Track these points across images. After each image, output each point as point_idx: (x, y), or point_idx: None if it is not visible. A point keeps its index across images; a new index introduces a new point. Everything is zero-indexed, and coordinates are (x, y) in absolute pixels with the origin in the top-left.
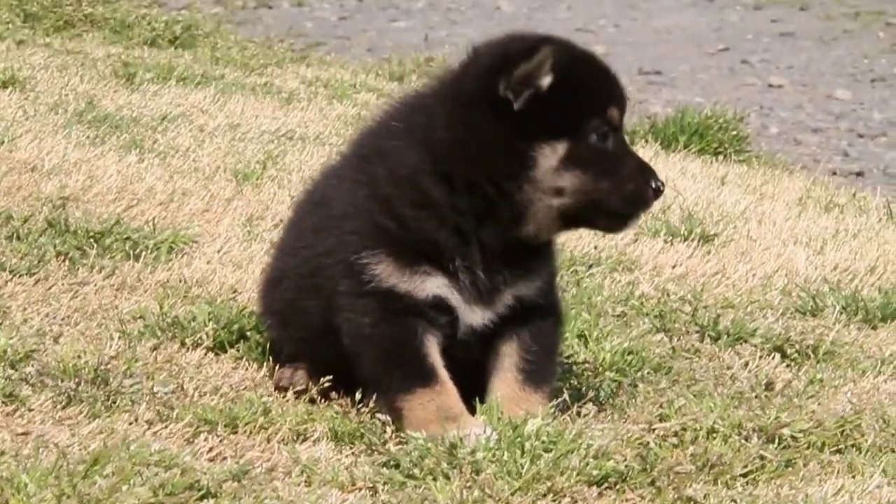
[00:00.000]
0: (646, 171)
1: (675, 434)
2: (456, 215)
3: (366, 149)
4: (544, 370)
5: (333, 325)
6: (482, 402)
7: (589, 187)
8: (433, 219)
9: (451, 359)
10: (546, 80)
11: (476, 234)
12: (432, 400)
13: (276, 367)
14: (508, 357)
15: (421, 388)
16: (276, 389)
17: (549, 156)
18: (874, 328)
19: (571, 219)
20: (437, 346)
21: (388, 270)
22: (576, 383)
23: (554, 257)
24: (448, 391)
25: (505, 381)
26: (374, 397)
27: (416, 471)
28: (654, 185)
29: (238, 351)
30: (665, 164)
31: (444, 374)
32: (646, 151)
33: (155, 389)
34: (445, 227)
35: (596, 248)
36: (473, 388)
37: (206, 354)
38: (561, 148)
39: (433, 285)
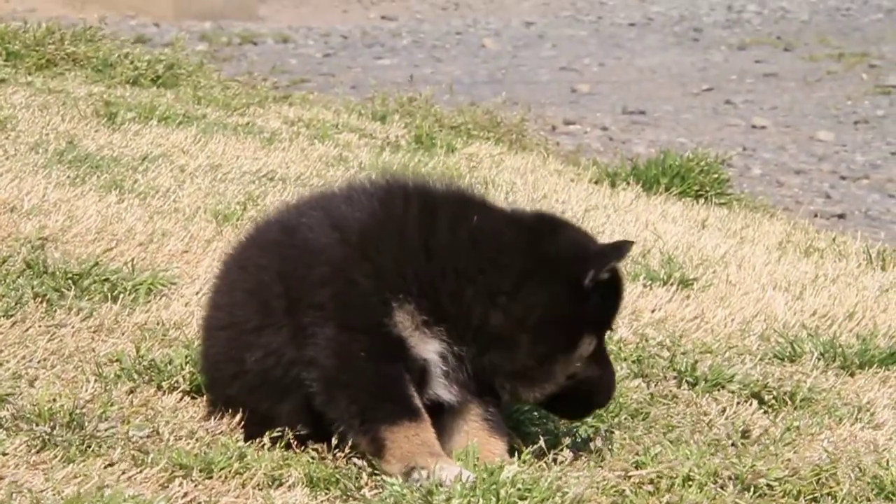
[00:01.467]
0: (613, 370)
1: (651, 482)
2: (484, 325)
3: (429, 216)
4: (502, 422)
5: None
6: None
7: (594, 378)
8: (466, 314)
9: None
10: (605, 277)
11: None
12: (417, 434)
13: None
14: (470, 410)
15: (408, 422)
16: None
17: (587, 346)
18: (852, 375)
19: (554, 399)
20: None
21: (407, 323)
22: (552, 428)
23: None
24: (430, 430)
25: (472, 430)
26: (352, 433)
27: None
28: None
29: None
30: (646, 207)
31: (426, 415)
32: (627, 194)
33: (130, 434)
34: (472, 327)
35: None
36: None
37: (182, 398)
38: (594, 341)
39: (431, 348)
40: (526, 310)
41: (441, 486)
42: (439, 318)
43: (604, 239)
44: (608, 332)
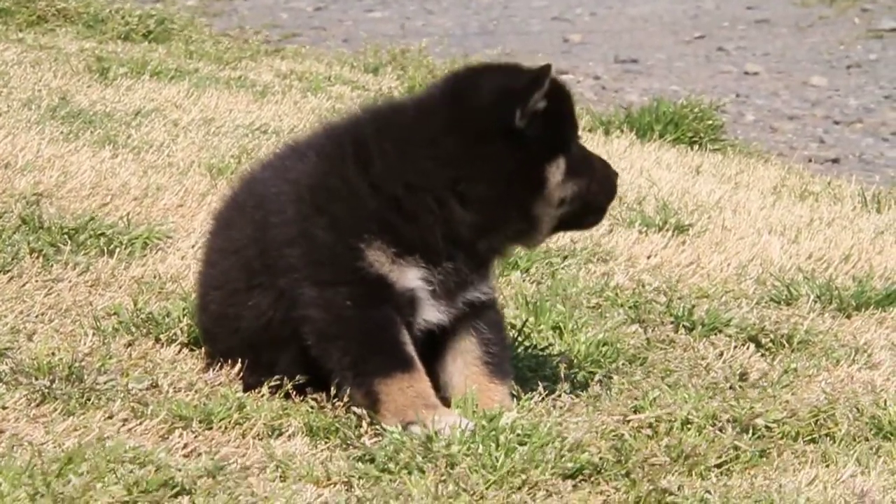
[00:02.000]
0: (606, 164)
1: (650, 426)
2: (458, 226)
3: (363, 151)
4: (506, 362)
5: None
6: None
7: (583, 191)
8: (434, 225)
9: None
10: (542, 106)
11: (473, 243)
12: (411, 386)
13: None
14: (470, 352)
15: (400, 374)
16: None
17: (556, 172)
18: (848, 317)
19: (563, 224)
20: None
21: (382, 259)
22: (550, 375)
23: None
24: (424, 380)
25: (472, 374)
26: (347, 385)
27: (392, 465)
28: (615, 173)
29: None
30: (640, 154)
31: (419, 363)
32: (621, 142)
33: (129, 386)
34: (443, 234)
35: (571, 239)
36: None
37: (180, 350)
38: (562, 164)
39: (413, 276)
40: (487, 180)
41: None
42: (410, 245)
43: None
44: (578, 139)
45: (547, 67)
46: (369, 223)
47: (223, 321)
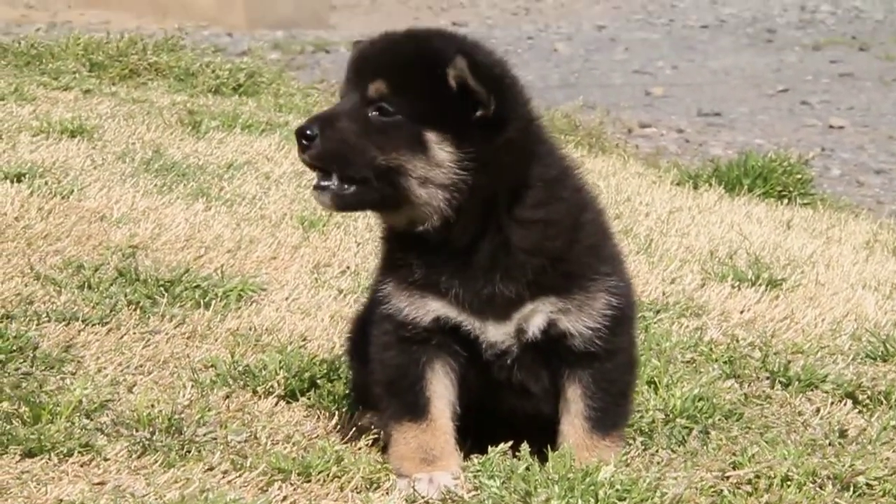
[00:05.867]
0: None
1: (749, 482)
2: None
3: None
4: (612, 415)
5: None
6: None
7: None
8: (425, 241)
9: (489, 383)
10: None
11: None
12: (416, 437)
13: (358, 411)
14: (574, 403)
15: (409, 423)
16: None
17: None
18: None
19: None
20: (446, 375)
21: (395, 294)
22: (647, 430)
23: (617, 296)
24: (436, 430)
25: (573, 427)
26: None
27: None
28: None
29: (309, 399)
30: (730, 208)
31: (438, 410)
32: (710, 195)
33: (228, 438)
34: (438, 246)
35: (664, 293)
36: (525, 420)
37: (277, 403)
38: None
39: (435, 306)
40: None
41: (419, 498)
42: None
43: (692, 240)
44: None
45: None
46: (385, 266)
47: None
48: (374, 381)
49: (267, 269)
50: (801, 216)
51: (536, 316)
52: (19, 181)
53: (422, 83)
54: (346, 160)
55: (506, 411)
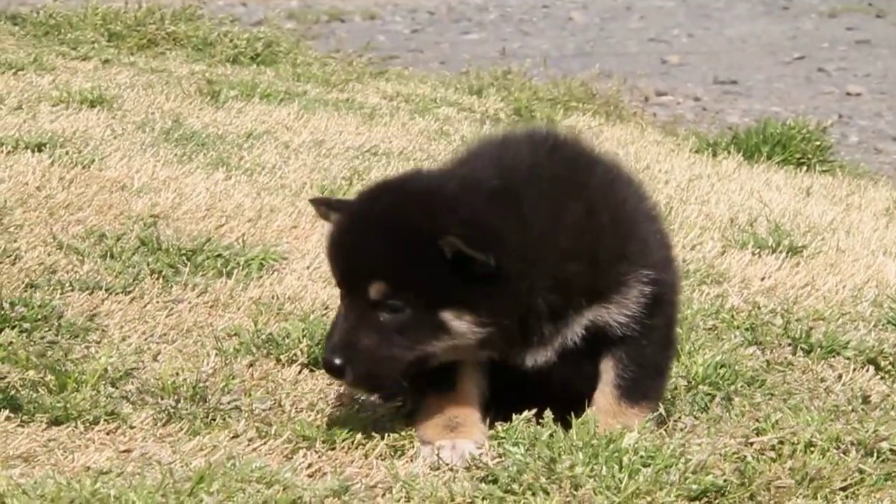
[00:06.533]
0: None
1: (773, 448)
2: None
3: None
4: (644, 386)
5: None
6: None
7: None
8: None
9: (525, 377)
10: None
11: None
12: (440, 406)
13: None
14: (606, 374)
15: (433, 394)
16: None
17: None
18: None
19: None
20: (476, 369)
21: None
22: (669, 397)
23: (651, 284)
24: (460, 400)
25: (603, 395)
26: None
27: (515, 486)
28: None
29: None
30: (749, 176)
31: (463, 384)
32: (729, 163)
33: (253, 406)
34: None
35: (685, 260)
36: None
37: (301, 371)
38: None
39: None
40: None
41: (444, 464)
42: None
43: (711, 207)
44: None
45: None
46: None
47: None
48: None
49: (288, 238)
50: (820, 183)
51: (575, 327)
52: (40, 151)
53: (420, 270)
54: (381, 375)
55: (543, 390)
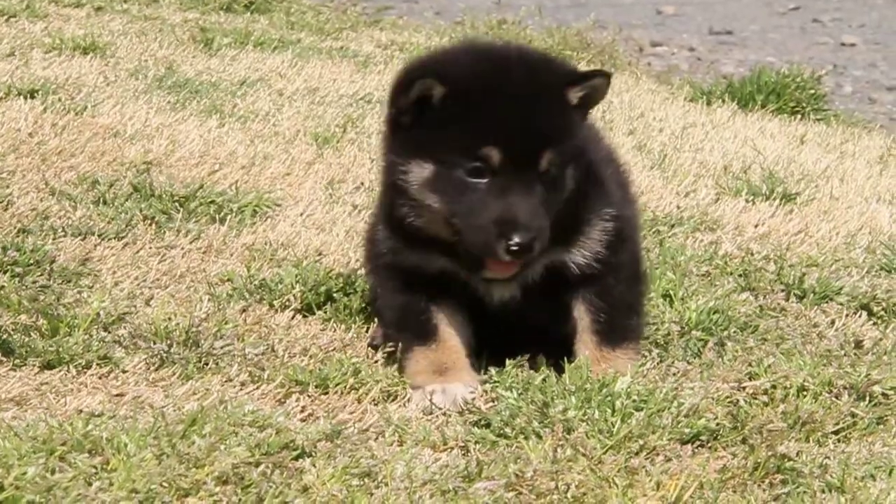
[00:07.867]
0: (508, 224)
1: (766, 392)
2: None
3: None
4: (621, 328)
5: None
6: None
7: (445, 212)
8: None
9: (499, 316)
10: (430, 103)
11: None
12: (427, 357)
13: (374, 326)
14: (581, 320)
15: (418, 347)
16: (369, 346)
17: (417, 173)
18: None
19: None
20: (455, 312)
21: (398, 248)
22: (662, 342)
23: (612, 220)
24: (446, 349)
25: (583, 343)
26: None
27: (508, 430)
28: (511, 241)
29: (325, 313)
30: (744, 124)
31: (445, 334)
32: (723, 111)
33: (245, 351)
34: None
35: (678, 207)
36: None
37: (294, 316)
38: (428, 169)
39: (440, 262)
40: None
41: (436, 408)
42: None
43: (705, 155)
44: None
45: (427, 69)
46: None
47: None
48: (385, 323)
49: (281, 185)
50: (814, 131)
51: (536, 265)
52: (32, 97)
53: (566, 130)
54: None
55: (521, 334)
